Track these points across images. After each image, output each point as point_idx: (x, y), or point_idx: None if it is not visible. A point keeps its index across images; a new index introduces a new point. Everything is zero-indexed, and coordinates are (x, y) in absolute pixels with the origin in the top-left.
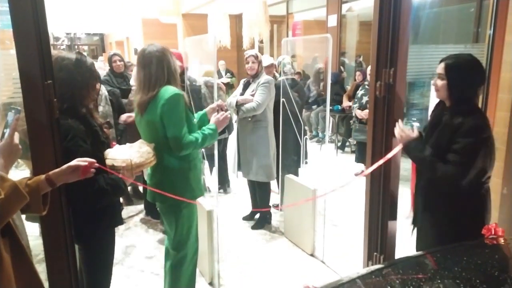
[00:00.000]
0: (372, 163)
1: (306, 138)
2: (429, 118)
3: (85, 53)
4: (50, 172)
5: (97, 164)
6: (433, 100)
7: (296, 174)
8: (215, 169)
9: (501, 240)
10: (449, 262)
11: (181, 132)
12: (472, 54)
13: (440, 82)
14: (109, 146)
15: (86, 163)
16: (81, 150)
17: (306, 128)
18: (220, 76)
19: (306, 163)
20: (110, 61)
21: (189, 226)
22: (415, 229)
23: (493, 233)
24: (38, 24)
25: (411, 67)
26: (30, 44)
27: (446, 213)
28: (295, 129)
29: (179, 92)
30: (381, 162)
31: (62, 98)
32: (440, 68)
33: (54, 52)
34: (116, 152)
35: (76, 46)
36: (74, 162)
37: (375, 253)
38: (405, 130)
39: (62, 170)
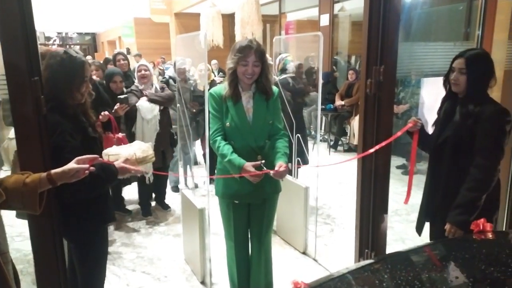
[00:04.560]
0: (363, 158)
1: (298, 137)
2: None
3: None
4: (52, 171)
5: (100, 159)
6: (425, 97)
7: (289, 172)
8: (207, 166)
9: (489, 235)
10: (438, 257)
11: (210, 131)
12: (483, 48)
13: (461, 77)
14: (101, 142)
15: (86, 166)
16: (69, 145)
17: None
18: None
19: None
20: (114, 60)
21: None
22: (422, 227)
23: (481, 228)
24: (25, 20)
25: (402, 65)
26: (17, 40)
27: None
28: (287, 128)
29: (210, 91)
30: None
31: (48, 96)
32: (460, 63)
33: (45, 48)
34: (118, 148)
35: (67, 46)
36: (75, 166)
37: (366, 250)
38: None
39: (64, 172)
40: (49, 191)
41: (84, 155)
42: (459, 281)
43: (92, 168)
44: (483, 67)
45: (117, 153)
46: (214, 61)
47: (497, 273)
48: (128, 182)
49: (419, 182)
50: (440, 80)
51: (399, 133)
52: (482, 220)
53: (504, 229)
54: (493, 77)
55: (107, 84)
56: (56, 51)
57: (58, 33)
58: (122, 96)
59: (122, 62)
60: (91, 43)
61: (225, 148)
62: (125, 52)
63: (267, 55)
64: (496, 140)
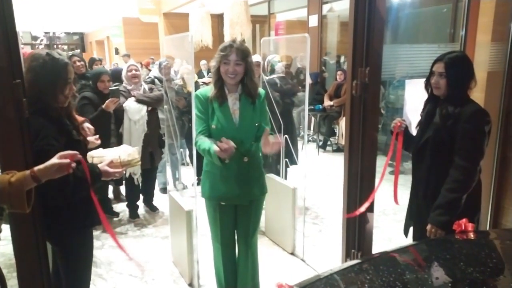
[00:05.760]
0: (350, 159)
1: (286, 138)
2: (419, 116)
3: (64, 53)
4: (35, 168)
5: (79, 156)
6: (409, 99)
7: (277, 173)
8: (194, 166)
9: (471, 235)
10: (420, 258)
11: (195, 132)
12: (462, 51)
13: (441, 80)
14: (85, 145)
15: (68, 161)
16: (53, 149)
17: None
18: (201, 76)
19: (286, 163)
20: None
21: None
22: (408, 228)
23: (463, 228)
24: (5, 21)
25: (388, 66)
26: None
27: None
28: (275, 129)
29: (196, 93)
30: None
31: (31, 99)
32: (440, 67)
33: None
34: (103, 151)
35: (55, 46)
36: (57, 160)
37: (352, 250)
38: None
39: (46, 168)
40: (34, 193)
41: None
42: (440, 282)
43: (73, 164)
44: (462, 70)
45: (102, 155)
46: (203, 62)
47: (476, 273)
48: (120, 182)
49: (407, 181)
50: (423, 81)
51: (393, 136)
52: (464, 220)
53: (488, 229)
54: (473, 79)
55: (94, 84)
56: (38, 53)
57: (46, 32)
58: (113, 88)
59: (78, 64)
60: (79, 43)
61: (203, 143)
62: (114, 52)
63: (257, 55)
64: (475, 141)
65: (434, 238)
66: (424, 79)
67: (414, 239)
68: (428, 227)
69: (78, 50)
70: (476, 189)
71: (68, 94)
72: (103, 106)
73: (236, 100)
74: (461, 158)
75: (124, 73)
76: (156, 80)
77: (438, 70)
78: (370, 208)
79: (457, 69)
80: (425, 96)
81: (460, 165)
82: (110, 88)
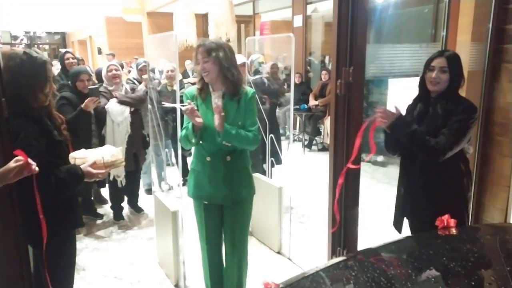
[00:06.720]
0: (335, 158)
1: (271, 137)
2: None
3: (44, 52)
4: None
5: (30, 161)
6: (391, 97)
7: (263, 172)
8: (180, 167)
9: (453, 231)
10: (403, 254)
11: (182, 127)
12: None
13: (443, 75)
14: (67, 145)
15: (21, 163)
16: (34, 149)
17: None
18: (186, 76)
19: (271, 162)
20: (62, 59)
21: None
22: (401, 224)
23: (445, 224)
24: None
25: (372, 66)
26: None
27: (440, 197)
28: (261, 129)
29: (184, 92)
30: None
31: (10, 100)
32: (442, 62)
33: (7, 49)
34: (86, 152)
35: (36, 45)
36: (13, 164)
37: (338, 248)
38: (388, 110)
39: (3, 173)
40: (11, 193)
41: (50, 159)
42: (423, 277)
43: (36, 169)
44: (460, 66)
45: (85, 156)
46: (188, 61)
47: (458, 267)
48: (103, 184)
49: (391, 180)
50: (405, 80)
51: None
52: (446, 216)
53: (469, 224)
54: (463, 77)
55: (73, 83)
56: (15, 52)
57: (26, 32)
58: (93, 87)
59: (71, 60)
60: (61, 42)
61: (182, 133)
62: (97, 52)
63: (241, 55)
64: (459, 130)
65: (419, 234)
66: (406, 78)
67: (412, 233)
68: (388, 111)
69: (71, 49)
70: (465, 186)
71: (48, 92)
72: (82, 105)
73: (219, 97)
74: (444, 136)
75: (104, 73)
76: (136, 82)
77: (440, 65)
78: (355, 206)
79: (457, 64)
80: (407, 94)
81: (441, 141)
82: (89, 88)
